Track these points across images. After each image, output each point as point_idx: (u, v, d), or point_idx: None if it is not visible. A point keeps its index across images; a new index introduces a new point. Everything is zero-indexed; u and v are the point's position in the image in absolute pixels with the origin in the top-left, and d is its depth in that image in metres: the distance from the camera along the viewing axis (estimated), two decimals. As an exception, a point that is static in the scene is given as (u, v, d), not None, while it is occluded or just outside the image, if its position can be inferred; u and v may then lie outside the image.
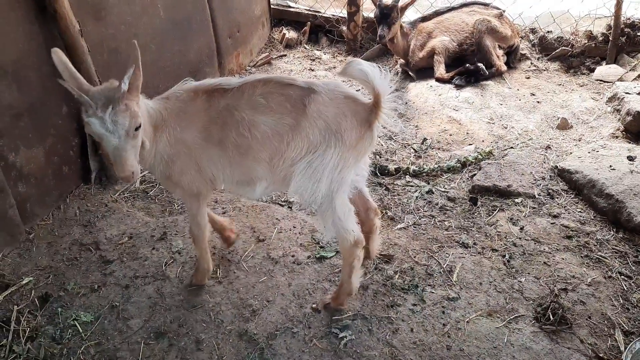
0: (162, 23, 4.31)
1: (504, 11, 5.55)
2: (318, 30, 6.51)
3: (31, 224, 3.48)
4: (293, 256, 3.23)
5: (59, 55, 2.20)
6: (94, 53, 3.53)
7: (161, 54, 4.31)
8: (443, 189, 3.82)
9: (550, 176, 3.89)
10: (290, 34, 6.38)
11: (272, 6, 6.41)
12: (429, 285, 3.01)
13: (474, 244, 3.31)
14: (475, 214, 3.58)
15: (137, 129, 2.16)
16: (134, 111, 2.15)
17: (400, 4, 5.15)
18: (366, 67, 2.29)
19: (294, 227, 3.48)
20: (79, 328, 2.79)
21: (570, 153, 4.10)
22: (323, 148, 2.42)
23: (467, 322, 2.77)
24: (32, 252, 3.31)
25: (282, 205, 3.71)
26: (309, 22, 6.45)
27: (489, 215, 3.56)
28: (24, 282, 3.07)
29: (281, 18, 6.61)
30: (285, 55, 6.16)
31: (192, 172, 2.56)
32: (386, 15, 5.16)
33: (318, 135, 2.41)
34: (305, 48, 6.34)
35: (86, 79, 3.39)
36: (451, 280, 3.03)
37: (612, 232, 3.35)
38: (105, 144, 2.15)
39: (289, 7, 6.64)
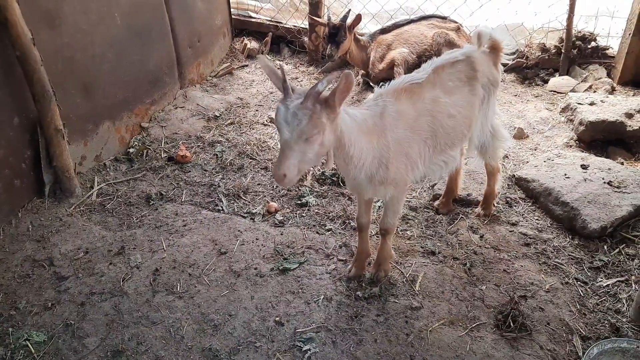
0: (120, 32, 4.21)
1: (461, 25, 5.67)
2: (280, 41, 6.52)
3: (-20, 240, 3.32)
4: (256, 269, 3.19)
5: (263, 60, 2.43)
6: (48, 62, 3.42)
7: (119, 63, 4.21)
8: (405, 199, 3.84)
9: (508, 185, 3.98)
10: (252, 44, 6.36)
11: (233, 16, 6.37)
12: (392, 295, 3.02)
13: (437, 252, 3.34)
14: (437, 223, 3.62)
15: (313, 137, 2.18)
16: (319, 120, 2.16)
17: (347, 22, 5.24)
18: (489, 30, 3.07)
19: (257, 239, 3.44)
20: (32, 348, 2.67)
21: (527, 162, 4.21)
22: (487, 97, 3.04)
23: (430, 331, 2.79)
24: (-19, 269, 3.16)
25: (244, 217, 3.66)
26: (270, 33, 6.45)
27: (450, 224, 3.61)
28: (-29, 301, 2.93)
29: (243, 28, 6.58)
30: (247, 65, 6.13)
31: (403, 167, 2.73)
32: (333, 35, 5.24)
33: (482, 90, 2.99)
34: (267, 58, 6.31)
35: (40, 89, 3.38)
36: (414, 290, 3.05)
37: (568, 239, 3.44)
38: (280, 135, 2.20)
39: (251, 17, 6.62)
